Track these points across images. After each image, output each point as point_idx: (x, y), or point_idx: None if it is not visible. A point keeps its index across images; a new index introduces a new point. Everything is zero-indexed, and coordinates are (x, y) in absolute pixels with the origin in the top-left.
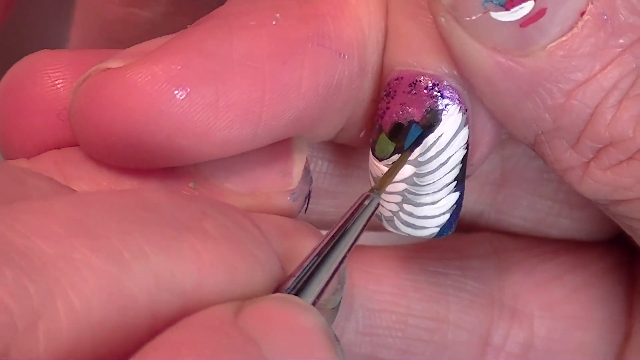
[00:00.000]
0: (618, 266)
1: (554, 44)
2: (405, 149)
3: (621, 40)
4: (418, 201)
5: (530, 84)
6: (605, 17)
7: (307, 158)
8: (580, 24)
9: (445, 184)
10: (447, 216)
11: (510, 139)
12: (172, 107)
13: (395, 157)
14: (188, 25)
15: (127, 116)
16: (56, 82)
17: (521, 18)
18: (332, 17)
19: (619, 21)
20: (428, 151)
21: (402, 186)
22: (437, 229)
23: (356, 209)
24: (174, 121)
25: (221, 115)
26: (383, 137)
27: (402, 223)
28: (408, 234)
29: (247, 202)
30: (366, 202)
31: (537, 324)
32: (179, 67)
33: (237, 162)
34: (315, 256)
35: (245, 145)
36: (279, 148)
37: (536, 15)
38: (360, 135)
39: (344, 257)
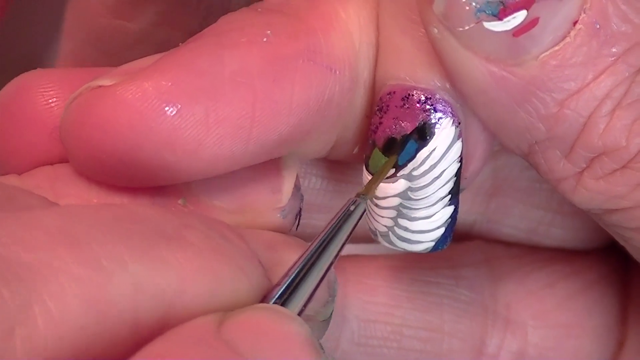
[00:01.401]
0: (611, 274)
1: (546, 53)
2: (399, 163)
3: (614, 49)
4: (413, 215)
5: (523, 94)
6: (598, 26)
7: (297, 175)
8: (572, 33)
9: (439, 197)
10: (442, 230)
11: (503, 150)
12: (162, 124)
13: (389, 172)
14: (180, 43)
15: (117, 132)
16: (49, 100)
17: (514, 28)
18: (322, 32)
19: (612, 30)
20: (422, 165)
21: (396, 201)
22: (432, 243)
23: (343, 214)
24: (164, 137)
25: (211, 132)
26: (376, 152)
27: (397, 238)
28: (403, 249)
29: (236, 219)
30: (352, 207)
31: (531, 333)
32: (169, 84)
33: (227, 179)
34: (300, 264)
35: (236, 162)
36: (268, 165)
37: (529, 24)
38: (354, 151)
39: (331, 264)
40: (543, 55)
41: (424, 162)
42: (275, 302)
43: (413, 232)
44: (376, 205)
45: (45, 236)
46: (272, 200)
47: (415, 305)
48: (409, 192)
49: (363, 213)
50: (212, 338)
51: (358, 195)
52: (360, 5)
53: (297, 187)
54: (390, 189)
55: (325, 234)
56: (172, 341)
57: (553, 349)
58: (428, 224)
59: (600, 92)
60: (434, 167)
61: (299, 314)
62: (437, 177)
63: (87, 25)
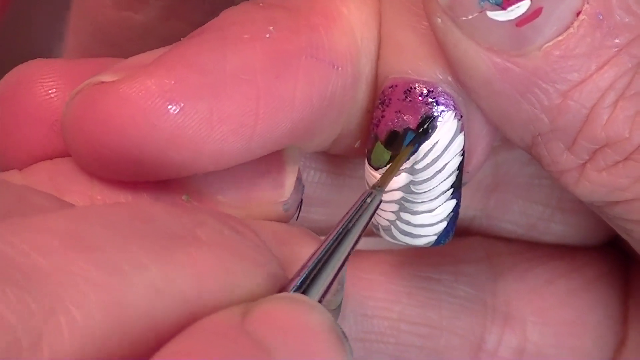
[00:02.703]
0: (612, 271)
1: (550, 43)
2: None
3: (617, 40)
4: (415, 209)
5: (527, 85)
6: (601, 17)
7: (299, 168)
8: (576, 23)
9: (441, 191)
10: (445, 224)
11: (503, 145)
12: (166, 122)
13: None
14: (182, 38)
15: (119, 130)
16: (49, 91)
17: (517, 17)
18: (325, 28)
19: (615, 21)
20: (424, 158)
21: (398, 194)
22: (435, 237)
23: (359, 207)
24: (167, 135)
25: (215, 129)
26: (379, 146)
27: (399, 232)
28: (405, 243)
29: (239, 213)
30: (368, 200)
31: (530, 329)
32: (173, 82)
33: (229, 174)
34: (319, 255)
35: (239, 158)
36: (271, 159)
37: (532, 14)
38: (356, 145)
39: (348, 255)
40: (546, 45)
41: (426, 156)
42: (295, 292)
43: (415, 225)
44: None
45: (60, 243)
46: (275, 195)
47: (414, 301)
48: (411, 186)
49: (379, 205)
50: (235, 331)
51: (374, 187)
52: (362, 1)
53: (298, 180)
54: (392, 182)
55: (342, 225)
56: (195, 336)
57: (553, 346)
58: (430, 218)
59: (604, 83)
60: (436, 161)
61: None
62: (440, 171)
63: (93, 18)
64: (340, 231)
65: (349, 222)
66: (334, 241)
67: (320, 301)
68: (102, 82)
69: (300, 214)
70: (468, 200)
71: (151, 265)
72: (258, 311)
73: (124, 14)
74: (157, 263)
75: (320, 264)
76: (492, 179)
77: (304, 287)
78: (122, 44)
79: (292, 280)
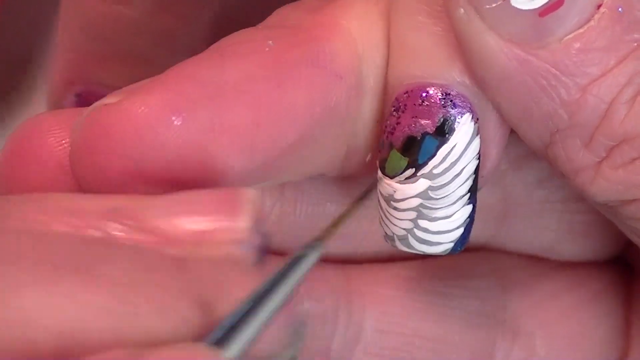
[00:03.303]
0: (616, 285)
1: (570, 35)
2: (419, 162)
3: (636, 35)
4: (433, 215)
5: (546, 77)
6: (621, 10)
7: (261, 210)
8: (596, 16)
9: (459, 196)
10: (461, 230)
11: (510, 167)
12: (167, 134)
13: (409, 172)
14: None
15: (123, 146)
16: (62, 141)
17: (540, 7)
18: (325, 40)
19: (634, 16)
20: (442, 162)
21: (416, 201)
22: (452, 244)
23: (293, 260)
24: (170, 148)
25: (217, 141)
26: (394, 153)
27: (416, 240)
28: (422, 252)
29: (193, 250)
30: (308, 252)
31: (539, 344)
32: (173, 95)
33: (186, 206)
34: (245, 306)
35: (243, 170)
36: (227, 197)
37: (555, 4)
38: (367, 159)
39: (281, 303)
40: (567, 37)
41: (445, 159)
42: (214, 341)
43: (433, 233)
44: (394, 208)
45: None
46: (230, 232)
47: (427, 316)
48: (429, 192)
49: (317, 261)
50: None
51: (315, 240)
52: (364, 12)
53: (259, 221)
54: (410, 189)
55: (272, 279)
56: None
57: (558, 359)
58: (448, 224)
59: (623, 78)
60: (455, 165)
61: (242, 354)
62: (458, 175)
63: (84, 13)
64: (271, 284)
65: (284, 271)
66: (264, 294)
67: (245, 351)
68: (106, 104)
69: (264, 260)
70: (479, 229)
71: (29, 291)
72: (149, 357)
73: (114, 8)
74: (37, 290)
75: (243, 316)
76: (502, 205)
77: (224, 338)
78: (112, 39)
79: (212, 329)
